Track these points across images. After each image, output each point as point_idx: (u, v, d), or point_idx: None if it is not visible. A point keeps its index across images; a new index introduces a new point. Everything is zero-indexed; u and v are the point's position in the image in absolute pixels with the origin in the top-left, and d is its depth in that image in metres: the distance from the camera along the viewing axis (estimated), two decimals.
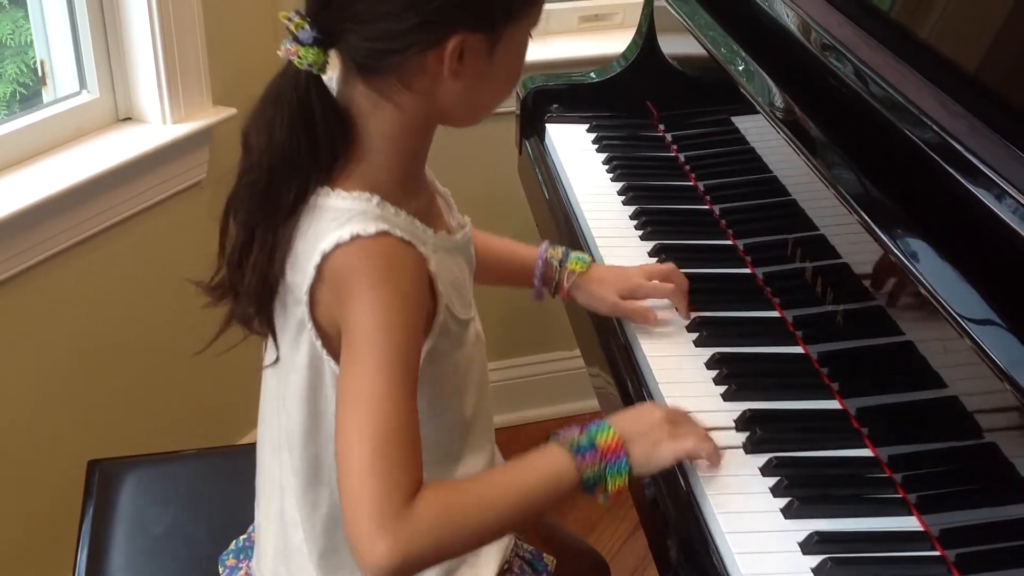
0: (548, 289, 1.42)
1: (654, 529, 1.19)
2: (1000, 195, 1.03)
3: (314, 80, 1.04)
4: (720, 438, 1.17)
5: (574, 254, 1.42)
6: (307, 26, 1.02)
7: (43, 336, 1.90)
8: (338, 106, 1.06)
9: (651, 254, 1.54)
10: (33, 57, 1.98)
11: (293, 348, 1.11)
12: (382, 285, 1.02)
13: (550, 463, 1.08)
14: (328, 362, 1.09)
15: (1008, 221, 1.00)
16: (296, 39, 1.02)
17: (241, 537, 1.36)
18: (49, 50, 1.98)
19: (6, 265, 1.79)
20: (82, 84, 2.00)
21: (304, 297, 1.05)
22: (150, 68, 1.97)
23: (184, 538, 1.47)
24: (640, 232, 1.59)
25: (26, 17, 1.97)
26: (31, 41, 1.98)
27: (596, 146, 1.83)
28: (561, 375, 2.62)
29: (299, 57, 1.02)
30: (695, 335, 1.36)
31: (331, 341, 1.08)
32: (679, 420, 1.15)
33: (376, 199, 1.04)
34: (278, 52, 1.04)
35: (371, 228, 1.02)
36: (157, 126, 2.01)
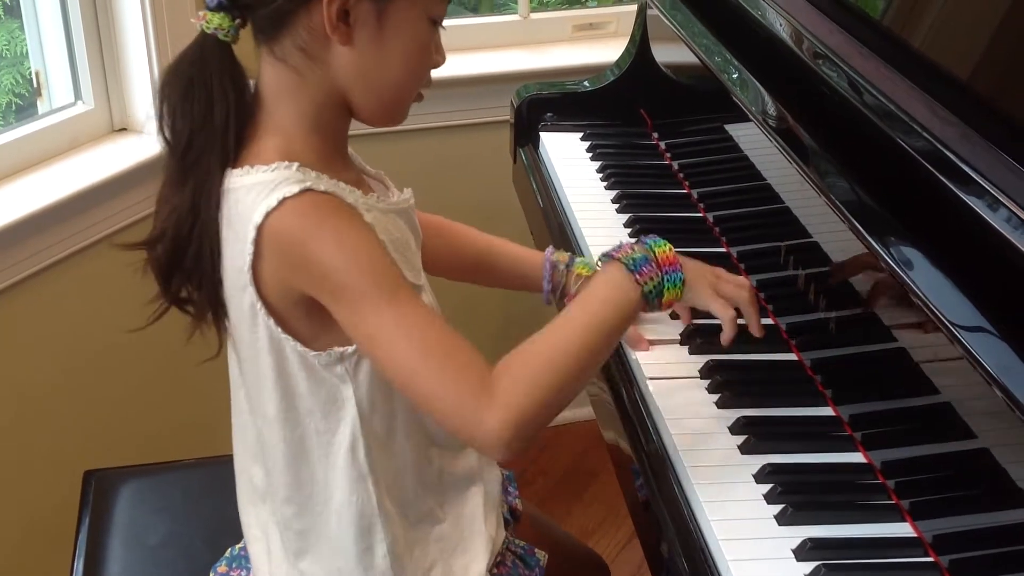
0: (556, 294, 1.42)
1: (649, 537, 1.20)
2: (991, 202, 1.03)
3: (218, 44, 1.07)
4: (714, 445, 1.18)
5: (579, 259, 1.42)
6: None
7: (39, 347, 1.90)
8: (238, 71, 1.09)
9: None
10: (28, 68, 1.99)
11: (252, 335, 1.11)
12: (327, 230, 1.04)
13: (610, 286, 1.13)
14: (287, 341, 1.09)
15: (999, 228, 1.00)
16: (206, 5, 1.06)
17: (237, 546, 1.36)
18: (44, 61, 1.98)
19: (1, 276, 1.79)
20: (77, 95, 2.00)
21: (247, 276, 1.06)
22: (145, 79, 1.98)
23: (180, 548, 1.47)
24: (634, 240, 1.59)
25: (22, 28, 1.97)
26: (26, 52, 1.98)
27: (590, 154, 1.83)
28: None
29: (207, 22, 1.06)
30: (689, 343, 1.36)
31: (285, 319, 1.09)
32: (725, 276, 1.24)
33: (296, 165, 1.06)
34: (191, 20, 1.08)
35: (295, 188, 1.04)
36: (152, 137, 2.00)
